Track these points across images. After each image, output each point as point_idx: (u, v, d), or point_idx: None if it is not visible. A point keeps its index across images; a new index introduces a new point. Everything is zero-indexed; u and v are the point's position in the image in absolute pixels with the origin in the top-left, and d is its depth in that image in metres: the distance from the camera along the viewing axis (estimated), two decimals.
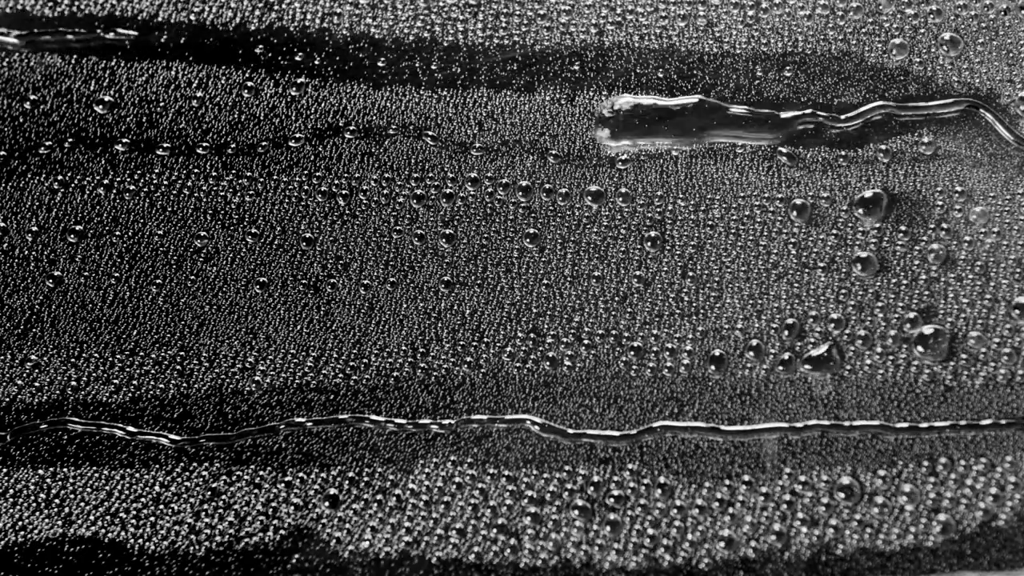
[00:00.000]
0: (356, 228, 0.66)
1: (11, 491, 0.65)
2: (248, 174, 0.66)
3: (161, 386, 0.65)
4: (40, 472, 0.65)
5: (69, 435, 0.65)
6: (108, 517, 0.65)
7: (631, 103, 0.64)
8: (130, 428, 0.65)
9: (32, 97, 0.66)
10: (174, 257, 0.66)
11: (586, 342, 0.65)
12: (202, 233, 0.66)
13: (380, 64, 0.66)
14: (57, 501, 0.65)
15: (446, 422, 0.64)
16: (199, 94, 0.66)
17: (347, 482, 0.64)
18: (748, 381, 0.64)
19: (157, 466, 0.65)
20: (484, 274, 0.65)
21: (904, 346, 0.64)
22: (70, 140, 0.66)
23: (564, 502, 0.64)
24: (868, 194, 0.64)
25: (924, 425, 0.64)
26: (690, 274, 0.65)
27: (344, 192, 0.66)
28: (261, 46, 0.66)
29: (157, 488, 0.65)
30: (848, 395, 0.64)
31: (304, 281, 0.65)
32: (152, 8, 0.67)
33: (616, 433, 0.64)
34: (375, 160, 0.66)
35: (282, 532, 0.64)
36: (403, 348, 0.65)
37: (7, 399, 0.65)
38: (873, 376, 0.64)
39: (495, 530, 0.64)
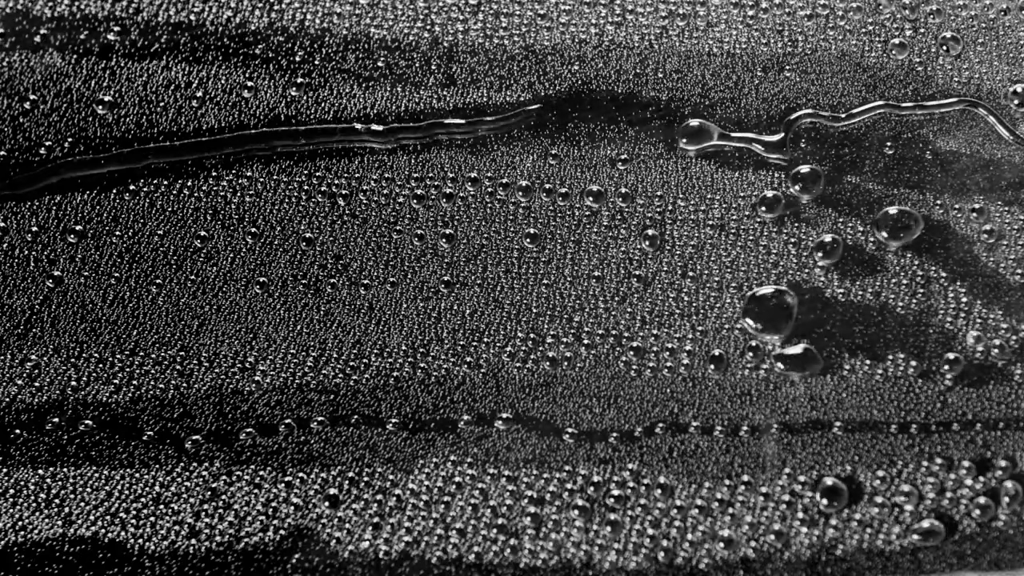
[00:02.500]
0: (356, 228, 0.66)
1: (11, 491, 0.65)
2: (248, 174, 0.66)
3: (161, 386, 0.65)
4: (40, 472, 0.65)
5: (69, 435, 0.65)
6: (108, 517, 0.65)
7: None
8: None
9: (32, 97, 0.66)
10: (174, 257, 0.66)
11: (586, 342, 0.65)
12: (202, 233, 0.66)
13: (380, 64, 0.66)
14: (57, 501, 0.65)
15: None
16: (199, 94, 0.66)
17: (347, 482, 0.64)
18: (748, 381, 0.64)
19: (157, 466, 0.65)
20: (484, 274, 0.65)
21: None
22: (70, 140, 0.66)
23: (564, 502, 0.64)
24: (804, 169, 0.64)
25: (923, 424, 0.64)
26: (690, 274, 0.65)
27: (344, 192, 0.66)
28: (262, 45, 0.66)
29: (157, 488, 0.65)
30: (847, 394, 0.64)
31: (304, 281, 0.66)
32: (152, 8, 0.67)
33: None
34: (375, 160, 0.66)
35: (282, 532, 0.64)
36: (403, 348, 0.65)
37: (7, 399, 0.65)
38: (872, 375, 0.64)
39: (495, 530, 0.64)
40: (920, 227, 0.64)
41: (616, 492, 0.64)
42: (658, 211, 0.65)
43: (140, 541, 0.64)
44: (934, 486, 0.63)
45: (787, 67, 0.66)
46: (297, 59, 0.66)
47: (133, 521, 0.64)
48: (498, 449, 0.64)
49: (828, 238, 0.64)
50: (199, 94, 0.66)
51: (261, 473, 0.65)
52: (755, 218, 0.65)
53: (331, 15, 0.66)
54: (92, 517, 0.65)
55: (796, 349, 0.64)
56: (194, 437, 0.65)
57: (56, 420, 0.65)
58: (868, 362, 0.64)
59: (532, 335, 0.65)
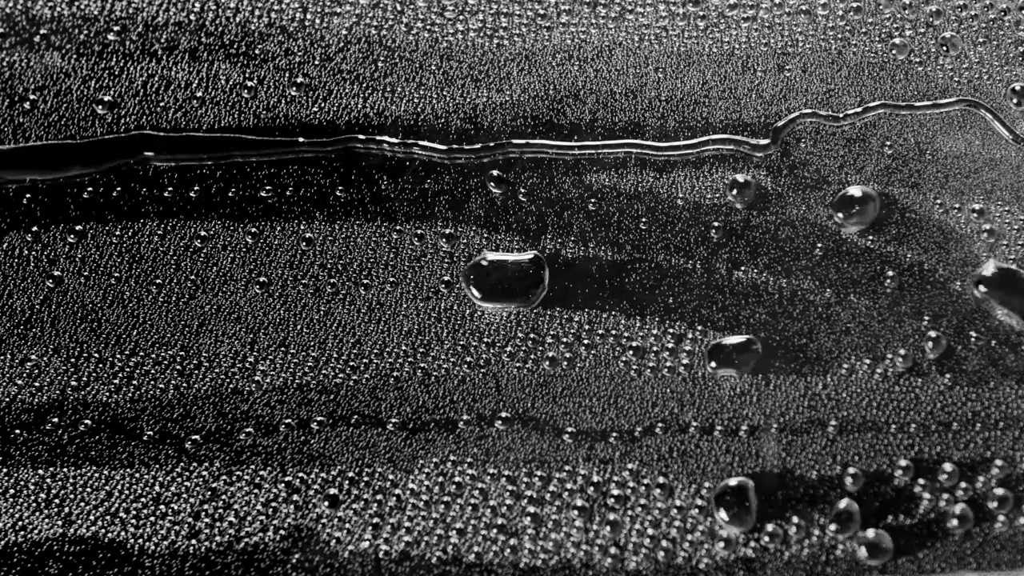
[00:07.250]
0: (356, 228, 0.66)
1: (11, 491, 0.65)
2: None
3: (161, 386, 0.65)
4: (40, 472, 0.65)
5: (69, 435, 0.65)
6: (108, 517, 0.65)
7: None
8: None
9: (32, 97, 0.66)
10: (174, 257, 0.66)
11: (586, 342, 0.65)
12: (202, 233, 0.66)
13: (379, 64, 0.66)
14: (57, 501, 0.65)
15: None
16: (199, 94, 0.66)
17: (347, 482, 0.64)
18: (748, 381, 0.64)
19: (157, 466, 0.65)
20: None
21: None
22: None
23: (564, 502, 0.64)
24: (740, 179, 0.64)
25: (921, 425, 0.64)
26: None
27: (344, 192, 0.66)
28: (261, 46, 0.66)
29: (157, 488, 0.65)
30: (846, 396, 0.64)
31: (304, 281, 0.66)
32: (152, 8, 0.67)
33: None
34: (375, 160, 0.66)
35: (282, 532, 0.64)
36: (403, 348, 0.65)
37: (7, 399, 0.65)
38: (871, 376, 0.64)
39: (495, 530, 0.64)
40: (877, 206, 0.64)
41: (616, 492, 0.64)
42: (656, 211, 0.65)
43: (140, 541, 0.64)
44: (932, 487, 0.63)
45: (786, 67, 0.66)
46: (297, 59, 0.66)
47: (133, 521, 0.64)
48: (498, 449, 0.64)
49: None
50: (199, 94, 0.66)
51: (261, 473, 0.65)
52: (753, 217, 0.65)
53: (331, 15, 0.66)
54: (92, 517, 0.65)
55: (738, 340, 0.64)
56: (194, 437, 0.65)
57: (56, 420, 0.65)
58: (867, 362, 0.64)
59: (532, 335, 0.65)
